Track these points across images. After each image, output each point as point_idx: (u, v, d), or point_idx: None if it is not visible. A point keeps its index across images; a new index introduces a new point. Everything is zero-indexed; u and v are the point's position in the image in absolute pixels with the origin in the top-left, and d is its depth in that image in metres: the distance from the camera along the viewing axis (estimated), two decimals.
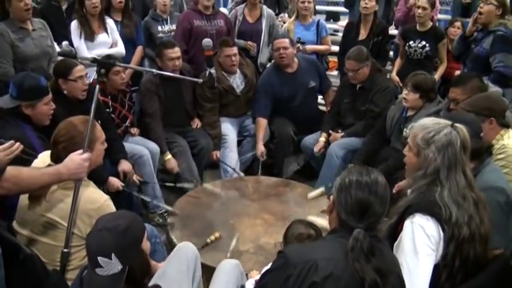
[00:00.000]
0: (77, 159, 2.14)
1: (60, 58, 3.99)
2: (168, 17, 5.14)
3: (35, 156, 2.04)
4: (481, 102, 2.74)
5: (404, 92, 3.75)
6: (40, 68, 3.96)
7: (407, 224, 1.99)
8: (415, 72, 3.82)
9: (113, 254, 1.69)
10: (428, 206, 1.97)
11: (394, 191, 3.03)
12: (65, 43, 4.72)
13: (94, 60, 2.41)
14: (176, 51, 4.12)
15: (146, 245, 1.86)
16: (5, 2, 3.85)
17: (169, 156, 4.12)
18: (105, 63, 2.36)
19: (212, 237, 2.95)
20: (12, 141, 1.83)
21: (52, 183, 2.18)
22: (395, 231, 2.06)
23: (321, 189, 3.56)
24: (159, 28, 5.09)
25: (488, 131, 2.62)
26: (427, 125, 2.11)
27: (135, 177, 3.71)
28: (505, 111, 2.81)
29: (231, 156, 4.38)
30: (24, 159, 2.44)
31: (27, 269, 2.22)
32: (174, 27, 5.10)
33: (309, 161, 4.59)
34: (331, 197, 1.84)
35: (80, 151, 2.18)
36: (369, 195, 1.72)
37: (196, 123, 4.51)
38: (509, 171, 2.66)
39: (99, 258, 1.69)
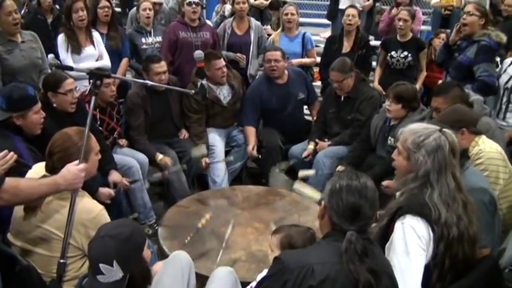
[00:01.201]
0: (73, 169, 2.16)
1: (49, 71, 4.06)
2: (152, 29, 5.19)
3: (30, 168, 2.06)
4: (451, 116, 2.85)
5: (387, 103, 3.84)
6: (30, 80, 3.97)
7: (398, 225, 2.04)
8: (396, 83, 3.91)
9: (114, 261, 1.71)
10: (418, 208, 2.03)
11: (383, 186, 3.11)
12: (50, 56, 4.72)
13: (90, 72, 2.43)
14: (162, 66, 4.16)
15: (147, 253, 1.89)
16: None
17: (160, 156, 4.16)
18: (100, 75, 2.38)
19: (203, 221, 2.98)
20: (5, 151, 1.84)
21: (50, 194, 2.20)
22: (386, 232, 2.11)
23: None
24: (143, 40, 5.14)
25: (461, 140, 2.70)
26: (416, 129, 2.17)
27: (125, 180, 3.72)
28: (475, 120, 2.94)
29: (219, 166, 4.42)
30: (20, 170, 2.46)
31: (23, 281, 2.24)
32: (157, 39, 5.17)
33: (296, 169, 4.65)
34: (322, 202, 1.89)
35: (76, 162, 2.20)
36: (360, 199, 1.78)
37: (184, 134, 4.55)
38: (489, 173, 2.77)
39: (100, 265, 1.71)
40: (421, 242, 1.98)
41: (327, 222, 1.85)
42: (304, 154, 4.36)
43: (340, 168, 4.05)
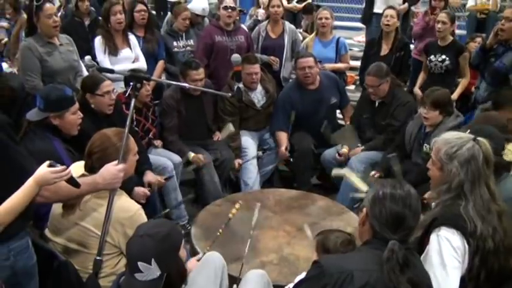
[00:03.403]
0: (112, 169, 2.20)
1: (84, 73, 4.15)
2: (184, 33, 5.25)
3: (79, 187, 2.11)
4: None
5: (424, 111, 3.77)
6: (67, 81, 4.01)
7: (433, 237, 2.01)
8: (430, 89, 3.85)
9: (152, 260, 1.74)
10: (453, 219, 2.00)
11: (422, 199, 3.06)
12: (87, 57, 4.83)
13: (130, 75, 2.48)
14: (200, 73, 4.19)
15: (183, 253, 1.92)
16: (33, 17, 3.93)
17: (192, 154, 4.20)
18: (140, 78, 2.42)
19: (233, 211, 3.02)
20: (64, 167, 1.90)
21: (89, 193, 2.25)
22: (421, 244, 2.09)
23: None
24: (175, 43, 5.21)
25: None
26: (449, 139, 2.13)
27: (160, 178, 3.77)
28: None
29: (251, 169, 4.45)
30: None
31: (61, 277, 2.30)
32: (189, 42, 5.24)
33: (328, 174, 4.63)
34: (364, 209, 1.87)
35: (115, 162, 2.24)
36: (403, 208, 1.76)
37: (218, 136, 4.59)
38: None
39: (139, 263, 1.74)
40: (456, 254, 1.96)
41: (368, 230, 1.84)
42: (340, 152, 4.33)
43: (374, 173, 4.02)
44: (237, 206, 3.06)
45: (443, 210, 2.07)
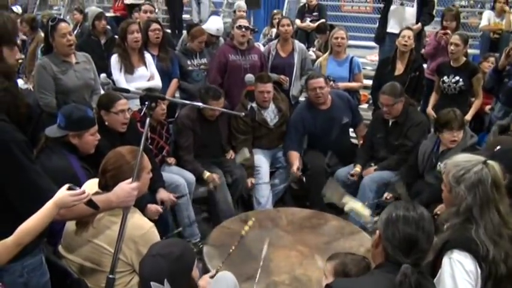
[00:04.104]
0: (126, 188, 2.21)
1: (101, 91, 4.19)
2: (198, 52, 5.30)
3: (98, 209, 2.13)
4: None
5: (453, 134, 3.75)
6: (82, 100, 4.06)
7: (445, 260, 1.99)
8: (449, 112, 3.82)
9: (165, 280, 1.74)
10: (465, 243, 1.97)
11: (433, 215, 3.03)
12: (103, 75, 4.86)
13: (145, 95, 2.51)
14: (220, 103, 4.22)
15: (196, 273, 1.91)
16: (49, 37, 3.99)
17: (207, 173, 4.22)
18: (155, 97, 2.45)
19: (246, 228, 2.98)
20: (83, 190, 1.92)
21: (102, 211, 2.25)
22: (433, 268, 2.06)
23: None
24: (189, 62, 5.25)
25: None
26: (458, 162, 2.11)
27: (172, 196, 3.79)
28: None
29: (263, 187, 4.45)
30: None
31: None
32: (203, 61, 5.28)
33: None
34: (377, 232, 1.86)
35: (129, 180, 2.24)
36: (417, 231, 1.75)
37: (231, 154, 4.61)
38: None
39: (152, 283, 1.74)
40: (469, 277, 1.93)
41: (381, 252, 1.83)
42: (352, 172, 4.33)
43: (387, 195, 3.99)
44: (250, 223, 3.06)
45: (455, 234, 2.05)
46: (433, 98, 5.16)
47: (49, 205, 1.84)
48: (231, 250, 3.01)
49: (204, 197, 4.42)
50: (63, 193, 1.86)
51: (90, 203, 1.95)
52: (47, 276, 2.18)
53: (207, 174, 4.22)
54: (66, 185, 1.86)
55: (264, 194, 4.40)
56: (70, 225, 2.47)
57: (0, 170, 1.86)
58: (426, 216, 1.79)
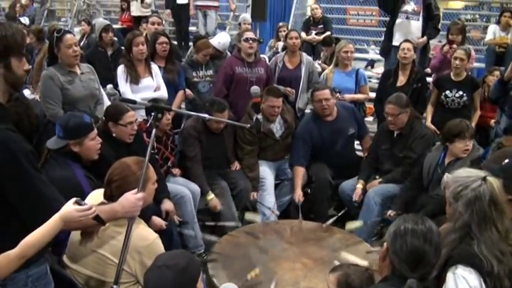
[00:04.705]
0: (131, 198, 2.21)
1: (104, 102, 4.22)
2: (203, 64, 5.32)
3: (104, 224, 2.13)
4: None
5: (466, 143, 3.75)
6: (87, 109, 4.07)
7: (450, 276, 1.97)
8: (458, 121, 3.84)
9: None
10: (470, 258, 1.96)
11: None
12: (109, 86, 4.89)
13: (152, 106, 2.52)
14: (224, 116, 4.23)
15: (201, 286, 1.90)
16: (54, 48, 4.01)
17: (211, 195, 4.22)
18: (162, 108, 2.46)
19: (252, 274, 2.95)
20: (90, 205, 1.92)
21: (108, 221, 2.26)
22: (437, 283, 2.04)
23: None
24: (194, 73, 5.28)
25: None
26: (458, 178, 2.10)
27: (175, 218, 3.79)
28: None
29: (268, 199, 4.46)
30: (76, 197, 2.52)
31: None
32: (208, 72, 5.30)
33: (347, 206, 4.59)
34: (385, 244, 1.85)
35: (135, 191, 2.24)
36: (424, 244, 1.74)
37: (236, 165, 4.61)
38: None
39: None
40: None
41: (388, 265, 1.82)
42: (355, 198, 4.30)
43: (390, 212, 3.99)
44: (257, 271, 3.01)
45: (459, 249, 2.02)
46: (429, 111, 5.17)
47: (55, 219, 1.84)
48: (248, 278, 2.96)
49: (208, 208, 4.41)
50: (69, 208, 1.85)
51: (96, 218, 1.95)
52: (52, 286, 2.17)
53: (211, 196, 4.23)
54: (73, 199, 1.86)
55: (269, 206, 4.39)
56: (75, 235, 2.46)
57: (7, 179, 1.86)
58: (435, 230, 1.79)
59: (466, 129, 3.77)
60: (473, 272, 1.93)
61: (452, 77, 4.97)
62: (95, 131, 3.15)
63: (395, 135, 4.34)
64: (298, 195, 4.38)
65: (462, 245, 2.02)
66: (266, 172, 4.60)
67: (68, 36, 4.00)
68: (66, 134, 3.04)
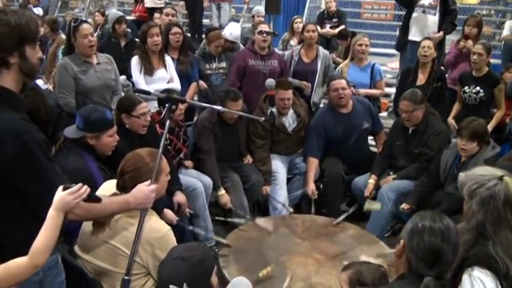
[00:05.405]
0: (144, 190, 2.19)
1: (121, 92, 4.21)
2: (216, 56, 5.30)
3: (100, 201, 2.08)
4: None
5: (462, 142, 3.71)
6: (102, 100, 4.10)
7: (465, 277, 1.95)
8: (466, 120, 3.79)
9: (184, 284, 1.72)
10: (485, 259, 1.93)
11: None
12: (122, 77, 4.90)
13: (166, 97, 2.50)
14: (239, 105, 4.22)
15: (215, 280, 1.89)
16: (71, 38, 4.04)
17: (222, 191, 4.19)
18: (176, 100, 2.44)
19: (264, 272, 2.94)
20: (80, 185, 1.87)
21: (120, 212, 2.25)
22: (452, 284, 2.01)
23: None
24: (207, 66, 5.26)
25: None
26: (474, 175, 2.08)
27: (187, 211, 3.78)
28: None
29: (280, 193, 4.43)
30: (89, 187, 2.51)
31: None
32: (221, 65, 5.28)
33: (359, 202, 4.56)
34: (401, 241, 1.82)
35: (148, 182, 2.23)
36: (442, 243, 1.71)
37: (248, 159, 4.59)
38: None
39: (171, 286, 1.72)
40: None
41: (404, 263, 1.79)
42: (366, 193, 4.24)
43: (404, 206, 3.94)
44: (269, 269, 2.98)
45: (474, 250, 1.99)
46: (455, 108, 5.11)
47: (51, 213, 1.78)
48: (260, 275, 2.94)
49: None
50: (60, 195, 1.80)
51: (90, 197, 1.90)
52: (63, 275, 2.17)
53: (222, 191, 4.19)
54: (61, 187, 1.82)
55: (281, 200, 4.36)
56: (86, 226, 2.46)
57: (19, 168, 1.85)
58: (452, 228, 1.75)
59: (464, 128, 3.70)
60: (490, 274, 1.90)
61: (474, 73, 4.90)
62: (115, 128, 3.16)
63: (410, 131, 4.28)
64: (312, 189, 4.35)
65: (478, 246, 1.99)
66: (278, 166, 4.57)
67: (84, 26, 4.03)
68: (85, 126, 3.04)
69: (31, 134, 1.87)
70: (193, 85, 5.04)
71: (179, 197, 3.69)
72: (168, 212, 3.39)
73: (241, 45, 5.91)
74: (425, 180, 4.04)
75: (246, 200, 4.29)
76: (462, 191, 2.10)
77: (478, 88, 4.79)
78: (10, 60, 1.87)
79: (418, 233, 1.74)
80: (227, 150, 4.43)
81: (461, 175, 2.17)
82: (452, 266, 1.97)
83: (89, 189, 1.86)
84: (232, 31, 5.68)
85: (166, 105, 2.35)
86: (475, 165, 3.05)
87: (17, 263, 1.70)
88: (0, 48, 1.85)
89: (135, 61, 4.62)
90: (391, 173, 4.32)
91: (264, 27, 4.98)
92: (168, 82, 4.67)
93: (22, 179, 1.84)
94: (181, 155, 4.22)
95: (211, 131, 4.30)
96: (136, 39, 5.54)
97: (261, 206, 4.67)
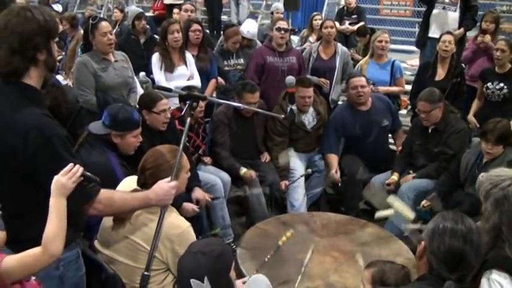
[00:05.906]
0: (165, 186, 2.21)
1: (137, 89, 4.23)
2: (234, 53, 5.30)
3: (97, 182, 2.07)
4: None
5: (488, 146, 3.62)
6: (121, 97, 4.10)
7: (484, 281, 1.92)
8: (491, 122, 3.69)
9: (205, 278, 1.73)
10: (504, 263, 1.90)
11: None
12: (142, 74, 4.94)
13: (187, 94, 2.51)
14: (256, 97, 4.23)
15: (233, 274, 1.90)
16: (89, 35, 4.05)
17: (244, 169, 4.21)
18: (197, 97, 2.45)
19: (284, 238, 2.94)
20: (71, 165, 1.86)
21: (140, 208, 2.27)
22: (473, 286, 1.98)
23: (390, 212, 3.54)
24: (225, 62, 5.27)
25: None
26: (491, 176, 2.05)
27: (207, 196, 3.80)
28: None
29: (298, 190, 4.41)
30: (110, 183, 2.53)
31: None
32: (239, 61, 5.29)
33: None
34: (422, 242, 1.80)
35: (168, 179, 2.24)
36: (464, 245, 1.68)
37: (266, 157, 4.59)
38: None
39: (192, 280, 1.74)
40: None
41: (425, 264, 1.77)
42: (388, 181, 4.23)
43: (424, 203, 3.90)
44: (289, 234, 3.00)
45: (493, 253, 1.96)
46: (475, 105, 5.02)
47: (51, 202, 1.78)
48: (266, 259, 2.97)
49: (238, 196, 4.41)
50: (54, 180, 1.79)
51: (85, 176, 1.88)
52: (83, 270, 2.19)
53: (243, 170, 4.21)
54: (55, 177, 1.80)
55: (299, 198, 4.36)
56: (107, 221, 2.49)
57: (41, 164, 1.87)
58: (475, 229, 1.72)
59: (490, 132, 3.60)
60: (508, 277, 1.88)
61: (496, 69, 4.82)
62: (139, 129, 3.18)
63: (429, 130, 4.23)
64: (335, 174, 4.34)
65: (496, 249, 1.96)
66: (296, 163, 4.56)
67: (103, 24, 4.03)
68: (112, 124, 3.08)
69: (53, 130, 1.89)
70: (213, 82, 5.05)
71: (198, 193, 3.71)
72: (187, 205, 3.42)
73: (259, 42, 5.90)
74: (446, 180, 3.99)
75: (264, 198, 4.28)
76: (479, 192, 2.08)
77: (501, 84, 4.69)
78: (39, 57, 1.90)
79: (439, 235, 1.72)
80: (244, 145, 4.44)
81: (481, 176, 2.15)
82: None
83: (81, 168, 1.84)
84: (249, 29, 5.68)
85: (187, 102, 2.35)
86: (498, 166, 3.01)
87: (31, 253, 1.73)
88: (32, 45, 1.88)
89: (155, 58, 4.64)
90: (410, 171, 4.29)
91: (282, 24, 4.97)
92: (188, 79, 4.68)
93: (44, 174, 1.85)
94: (199, 151, 4.24)
95: (227, 125, 4.31)
96: (156, 36, 5.56)
97: (278, 203, 4.66)
